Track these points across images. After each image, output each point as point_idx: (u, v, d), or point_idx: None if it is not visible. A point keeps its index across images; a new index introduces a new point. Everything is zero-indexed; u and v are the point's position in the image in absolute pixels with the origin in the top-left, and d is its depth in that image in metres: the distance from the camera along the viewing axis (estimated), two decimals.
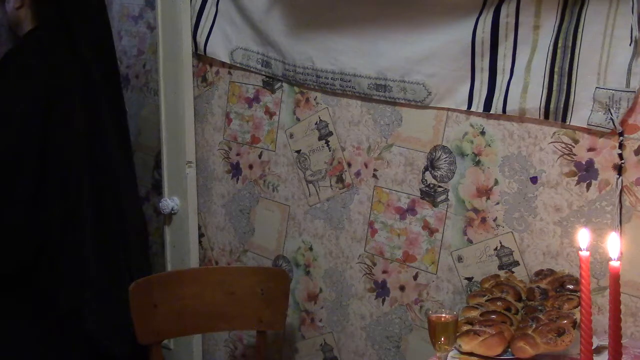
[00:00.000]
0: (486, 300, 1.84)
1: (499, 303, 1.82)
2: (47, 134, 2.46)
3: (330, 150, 2.44)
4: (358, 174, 2.37)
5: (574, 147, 1.92)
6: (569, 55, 1.87)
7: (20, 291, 2.48)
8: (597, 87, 1.83)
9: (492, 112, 2.04)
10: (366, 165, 2.35)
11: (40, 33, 2.57)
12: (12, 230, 2.43)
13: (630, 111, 1.81)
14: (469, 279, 2.14)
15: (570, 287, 1.82)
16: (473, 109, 2.08)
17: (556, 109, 1.91)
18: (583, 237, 1.51)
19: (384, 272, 2.34)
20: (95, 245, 2.53)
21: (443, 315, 1.67)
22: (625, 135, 1.83)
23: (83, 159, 2.53)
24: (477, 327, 1.71)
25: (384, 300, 2.34)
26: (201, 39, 2.74)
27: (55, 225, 2.47)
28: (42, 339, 2.50)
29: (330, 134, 2.44)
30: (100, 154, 2.59)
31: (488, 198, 2.08)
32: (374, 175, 2.34)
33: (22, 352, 2.48)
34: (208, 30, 2.72)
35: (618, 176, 1.85)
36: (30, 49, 2.57)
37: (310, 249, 2.53)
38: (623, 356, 1.46)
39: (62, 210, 2.48)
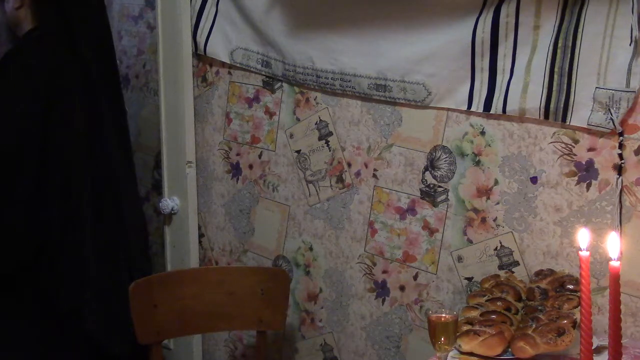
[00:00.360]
0: (486, 300, 1.84)
1: (499, 303, 1.82)
2: (47, 134, 2.46)
3: (330, 150, 2.44)
4: (358, 174, 2.37)
5: (574, 147, 1.92)
6: (569, 55, 1.87)
7: (20, 291, 2.48)
8: (597, 87, 1.83)
9: (492, 112, 2.04)
10: (366, 165, 2.35)
11: (40, 33, 2.57)
12: (12, 230, 2.43)
13: (630, 111, 1.81)
14: (469, 279, 2.14)
15: (570, 287, 1.82)
16: (473, 109, 2.08)
17: (556, 109, 1.91)
18: (583, 237, 1.51)
19: (384, 272, 2.34)
20: (95, 245, 2.53)
21: (443, 315, 1.66)
22: (625, 135, 1.83)
23: (83, 159, 2.53)
24: (477, 327, 1.71)
25: (384, 300, 2.34)
26: (201, 39, 2.74)
27: (55, 225, 2.47)
28: (42, 339, 2.50)
29: (330, 134, 2.44)
30: (100, 154, 2.59)
31: (488, 198, 2.08)
32: (374, 175, 2.34)
33: (22, 352, 2.48)
34: (208, 30, 2.72)
35: (618, 176, 1.85)
36: (30, 49, 2.57)
37: (310, 249, 2.53)
38: (623, 356, 1.46)
39: (62, 210, 2.48)
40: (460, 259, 2.16)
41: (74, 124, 2.53)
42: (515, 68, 1.98)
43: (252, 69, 2.64)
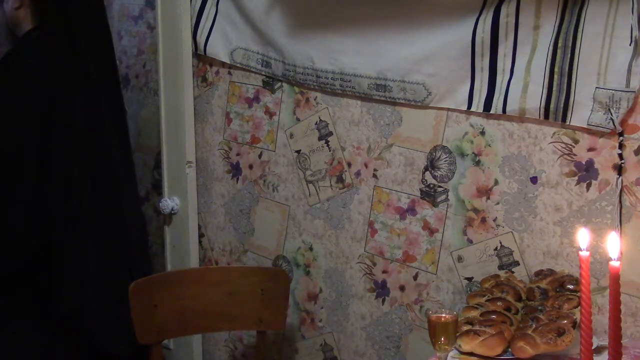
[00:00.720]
0: (486, 300, 1.84)
1: (499, 303, 1.82)
2: (47, 134, 2.46)
3: (330, 150, 2.44)
4: (358, 174, 2.37)
5: (574, 147, 1.92)
6: (569, 55, 1.87)
7: (21, 291, 2.48)
8: (597, 87, 1.83)
9: (492, 112, 2.04)
10: (366, 165, 2.35)
11: (39, 33, 2.57)
12: (12, 230, 2.43)
13: (630, 111, 1.81)
14: (469, 279, 2.14)
15: (570, 287, 1.82)
16: (473, 109, 2.08)
17: (556, 109, 1.91)
18: (583, 237, 1.51)
19: (384, 272, 2.34)
20: (96, 245, 2.53)
21: (443, 315, 1.66)
22: (625, 135, 1.83)
23: (83, 159, 2.53)
24: (477, 327, 1.71)
25: (384, 300, 2.34)
26: (201, 39, 2.74)
27: (55, 225, 2.47)
28: (43, 339, 2.50)
29: (330, 134, 2.44)
30: (100, 154, 2.59)
31: (488, 198, 2.08)
32: (374, 175, 2.34)
33: (23, 352, 2.48)
34: (208, 30, 2.72)
35: (618, 176, 1.85)
36: (30, 49, 2.57)
37: (310, 249, 2.53)
38: (623, 356, 1.46)
39: (62, 210, 2.48)
40: (460, 259, 2.16)
41: (74, 124, 2.53)
42: (515, 68, 1.98)
43: (252, 69, 2.64)
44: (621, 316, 1.43)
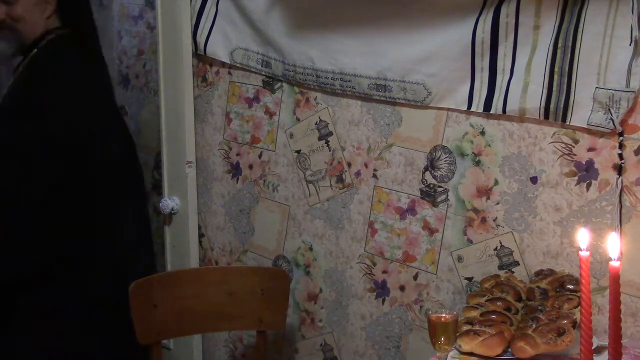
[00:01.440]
0: (486, 300, 1.84)
1: (499, 303, 1.82)
2: (69, 137, 2.47)
3: (330, 150, 2.44)
4: (358, 174, 2.37)
5: (574, 147, 1.92)
6: (569, 55, 1.87)
7: (45, 290, 2.50)
8: (597, 87, 1.83)
9: (492, 112, 2.04)
10: (366, 165, 2.35)
11: (53, 38, 2.57)
12: (35, 232, 2.45)
13: (630, 111, 1.81)
14: (469, 279, 2.14)
15: (570, 287, 1.82)
16: (473, 109, 2.08)
17: (556, 109, 1.91)
18: (583, 237, 1.51)
19: (384, 272, 2.34)
20: (102, 244, 2.56)
21: (443, 315, 1.67)
22: (625, 135, 1.83)
23: (93, 159, 2.55)
24: (477, 327, 1.71)
25: (384, 300, 2.34)
26: (201, 39, 2.74)
27: (70, 227, 2.49)
28: (74, 334, 2.51)
29: (330, 134, 2.44)
30: (102, 154, 2.60)
31: (488, 198, 2.08)
32: (374, 175, 2.34)
33: (55, 348, 2.49)
34: (208, 30, 2.72)
35: (618, 176, 1.85)
36: (53, 55, 2.56)
37: (310, 249, 2.53)
38: (623, 356, 1.46)
39: (76, 212, 2.50)
40: (460, 259, 2.16)
41: (91, 125, 2.54)
42: (515, 68, 1.98)
43: (252, 69, 2.64)
44: (621, 316, 1.43)
